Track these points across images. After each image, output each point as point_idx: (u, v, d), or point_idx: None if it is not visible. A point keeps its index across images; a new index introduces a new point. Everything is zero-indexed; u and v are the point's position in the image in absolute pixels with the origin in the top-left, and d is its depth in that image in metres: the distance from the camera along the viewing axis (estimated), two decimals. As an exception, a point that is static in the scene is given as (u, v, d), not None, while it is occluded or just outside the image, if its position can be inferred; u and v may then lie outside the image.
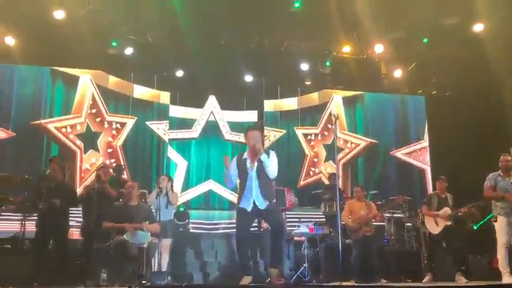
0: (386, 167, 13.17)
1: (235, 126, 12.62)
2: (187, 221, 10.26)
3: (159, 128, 12.35)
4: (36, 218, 7.33)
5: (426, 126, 13.59)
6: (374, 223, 8.66)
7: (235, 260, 7.78)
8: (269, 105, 13.02)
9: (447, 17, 10.75)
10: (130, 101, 12.22)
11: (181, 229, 9.94)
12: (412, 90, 13.72)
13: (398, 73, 12.97)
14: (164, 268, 7.80)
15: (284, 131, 13.01)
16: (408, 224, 9.85)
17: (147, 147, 12.29)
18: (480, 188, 7.24)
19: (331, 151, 12.50)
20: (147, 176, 11.77)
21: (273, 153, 5.78)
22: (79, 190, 10.45)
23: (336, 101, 13.35)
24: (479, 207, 8.00)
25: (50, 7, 10.27)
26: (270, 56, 12.28)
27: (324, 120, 13.17)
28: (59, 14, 10.30)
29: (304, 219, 9.77)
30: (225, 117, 12.76)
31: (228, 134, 12.70)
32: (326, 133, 13.11)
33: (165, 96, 12.52)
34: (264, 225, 8.05)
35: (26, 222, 7.61)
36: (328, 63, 12.71)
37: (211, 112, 12.71)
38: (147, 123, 12.28)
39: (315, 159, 13.04)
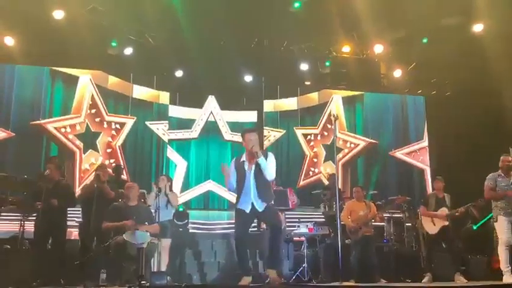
0: (386, 167, 13.16)
1: (234, 127, 12.60)
2: (186, 221, 10.22)
3: (159, 128, 12.35)
4: (35, 218, 7.33)
5: (426, 126, 13.58)
6: (373, 223, 8.67)
7: (234, 260, 7.75)
8: (269, 105, 13.01)
9: (447, 17, 10.74)
10: (130, 101, 12.21)
11: (180, 229, 9.91)
12: (411, 90, 13.71)
13: (398, 73, 12.96)
14: (163, 268, 7.81)
15: (284, 131, 13.01)
16: (408, 224, 9.84)
17: (147, 148, 12.29)
18: (480, 188, 7.25)
19: (331, 151, 12.49)
20: (147, 176, 11.75)
21: (271, 155, 5.80)
22: (78, 190, 10.46)
23: (336, 101, 13.34)
24: (478, 207, 8.01)
25: (50, 7, 10.25)
26: (270, 56, 12.28)
27: (324, 120, 13.17)
28: (59, 14, 10.29)
29: (304, 220, 9.74)
30: (224, 118, 12.75)
31: (227, 134, 12.70)
32: (326, 133, 13.10)
33: (164, 97, 12.52)
34: (263, 225, 8.06)
35: (26, 223, 7.59)
36: (327, 63, 12.70)
37: (211, 112, 12.71)
38: (147, 123, 12.28)
39: (315, 160, 13.04)
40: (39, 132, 11.34)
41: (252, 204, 5.64)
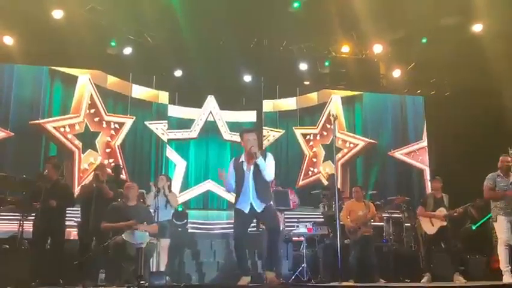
0: (385, 167, 13.16)
1: (234, 126, 12.59)
2: (185, 221, 10.23)
3: (158, 128, 12.34)
4: (33, 218, 7.32)
5: (425, 127, 13.58)
6: (372, 223, 8.66)
7: (233, 260, 7.74)
8: (268, 105, 13.00)
9: (446, 17, 10.74)
10: (129, 100, 12.21)
11: (179, 229, 9.92)
12: (411, 90, 13.71)
13: (397, 73, 12.96)
14: (162, 268, 7.80)
15: (283, 131, 13.00)
16: (407, 224, 9.84)
17: (146, 147, 12.28)
18: (479, 188, 7.24)
19: (330, 151, 12.45)
20: (146, 176, 11.69)
21: (269, 156, 5.80)
22: (77, 190, 10.44)
23: (335, 101, 13.34)
24: (477, 207, 8.01)
25: (49, 7, 10.24)
26: (269, 56, 12.28)
27: (323, 120, 13.17)
28: (58, 14, 10.29)
29: (303, 220, 9.75)
30: (223, 117, 12.75)
31: (226, 134, 12.69)
32: (325, 133, 13.09)
33: (163, 96, 12.51)
34: (262, 225, 8.04)
35: (25, 222, 7.58)
36: (327, 63, 12.69)
37: (210, 112, 12.70)
38: (146, 123, 12.27)
39: (314, 159, 13.04)
40: (38, 131, 11.33)
41: (251, 204, 5.63)
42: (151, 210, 7.50)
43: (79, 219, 8.15)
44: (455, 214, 7.95)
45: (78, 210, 8.24)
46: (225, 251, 9.74)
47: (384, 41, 11.98)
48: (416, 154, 13.49)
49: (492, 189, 7.02)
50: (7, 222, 9.13)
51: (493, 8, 9.90)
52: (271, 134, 12.86)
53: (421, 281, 7.88)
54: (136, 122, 12.18)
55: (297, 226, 9.13)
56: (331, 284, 7.43)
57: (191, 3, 10.24)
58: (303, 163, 12.93)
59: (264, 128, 12.66)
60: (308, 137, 13.13)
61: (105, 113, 11.97)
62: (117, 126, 12.03)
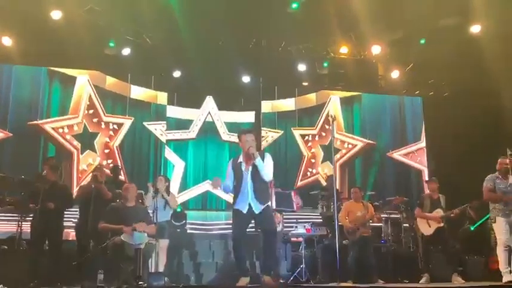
0: (384, 168, 13.17)
1: (232, 127, 12.60)
2: (184, 221, 10.21)
3: (157, 128, 12.34)
4: (31, 218, 7.31)
5: (423, 127, 13.59)
6: (371, 224, 8.67)
7: (232, 261, 7.76)
8: (266, 106, 13.01)
9: (444, 18, 10.77)
10: (128, 101, 12.20)
11: (178, 230, 9.91)
12: (409, 91, 13.73)
13: (395, 74, 12.99)
14: (161, 269, 7.78)
15: (281, 132, 13.01)
16: (405, 224, 9.85)
17: (144, 148, 12.28)
18: (477, 189, 7.24)
19: (329, 152, 12.50)
20: (144, 177, 11.69)
21: (268, 156, 5.79)
22: (75, 191, 10.42)
23: (334, 102, 13.35)
24: (475, 208, 8.00)
25: (47, 7, 10.26)
26: (268, 57, 12.30)
27: (322, 121, 13.17)
28: (56, 15, 10.30)
29: (302, 220, 9.74)
30: (222, 118, 12.76)
31: (225, 135, 12.69)
32: (323, 134, 13.10)
33: (162, 97, 12.51)
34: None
35: (23, 223, 7.58)
36: (325, 64, 12.74)
37: (209, 113, 12.70)
38: (145, 123, 12.27)
39: (312, 160, 13.04)
40: (37, 132, 11.31)
41: (249, 205, 5.63)
42: (150, 211, 7.49)
43: (77, 220, 8.14)
44: (452, 215, 7.93)
45: (76, 211, 8.22)
46: (223, 251, 9.73)
47: (383, 42, 12.01)
48: (414, 155, 13.49)
49: (492, 191, 7.01)
50: (5, 223, 9.11)
51: (491, 8, 9.92)
52: (269, 135, 12.87)
53: (420, 282, 7.87)
54: (135, 123, 12.18)
55: (296, 227, 9.12)
56: (330, 284, 7.43)
57: (189, 4, 10.25)
58: (302, 164, 12.93)
59: (262, 128, 12.67)
60: (306, 137, 13.13)
61: (104, 114, 11.96)
62: (115, 127, 12.03)
